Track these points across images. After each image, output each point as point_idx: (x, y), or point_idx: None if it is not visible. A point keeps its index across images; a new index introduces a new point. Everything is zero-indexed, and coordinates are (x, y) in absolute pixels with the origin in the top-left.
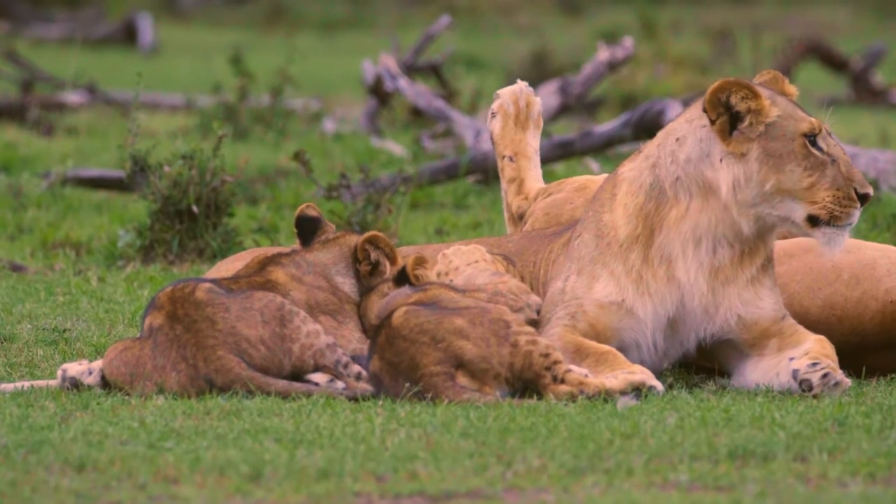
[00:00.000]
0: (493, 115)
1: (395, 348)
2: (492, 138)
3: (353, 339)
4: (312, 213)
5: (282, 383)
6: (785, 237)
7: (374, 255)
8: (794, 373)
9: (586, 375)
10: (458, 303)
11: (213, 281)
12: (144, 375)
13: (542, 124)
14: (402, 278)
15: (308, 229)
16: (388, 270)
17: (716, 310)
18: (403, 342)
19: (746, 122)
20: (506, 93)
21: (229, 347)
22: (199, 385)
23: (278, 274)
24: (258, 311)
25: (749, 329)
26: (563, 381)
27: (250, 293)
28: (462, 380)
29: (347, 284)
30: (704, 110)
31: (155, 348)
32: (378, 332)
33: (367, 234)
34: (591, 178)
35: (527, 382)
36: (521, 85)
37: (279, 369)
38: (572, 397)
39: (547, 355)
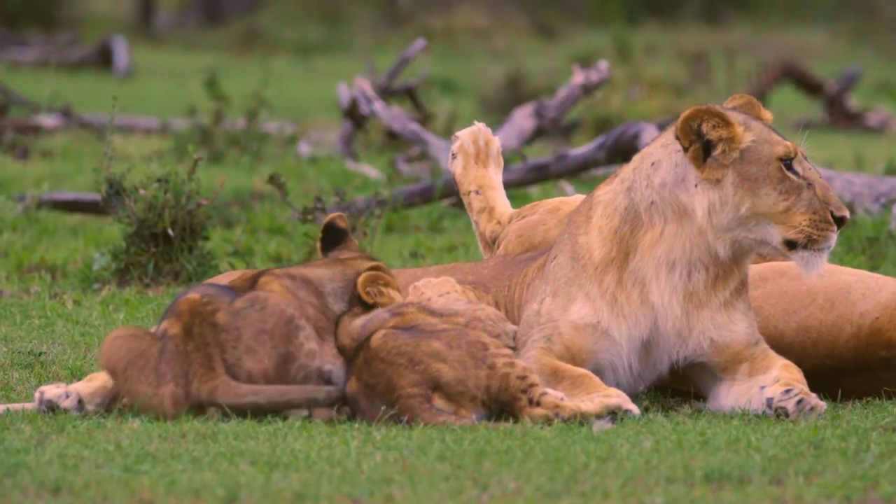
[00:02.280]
0: (454, 155)
1: (372, 370)
2: (454, 179)
3: (335, 359)
4: (342, 224)
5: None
6: (757, 261)
7: (370, 289)
8: (769, 401)
9: (562, 399)
10: (435, 327)
11: (231, 292)
12: (141, 370)
13: (502, 163)
14: (359, 300)
15: (332, 239)
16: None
17: (689, 333)
18: (381, 364)
19: (719, 150)
20: (465, 134)
21: (230, 377)
22: (189, 404)
23: (274, 285)
24: (269, 333)
25: (721, 352)
26: (538, 404)
27: (265, 302)
28: (438, 402)
29: (339, 306)
30: (677, 137)
31: (162, 353)
32: (356, 354)
33: (367, 275)
34: (564, 199)
35: (503, 405)
36: (480, 125)
37: None
38: (548, 420)
39: (524, 378)
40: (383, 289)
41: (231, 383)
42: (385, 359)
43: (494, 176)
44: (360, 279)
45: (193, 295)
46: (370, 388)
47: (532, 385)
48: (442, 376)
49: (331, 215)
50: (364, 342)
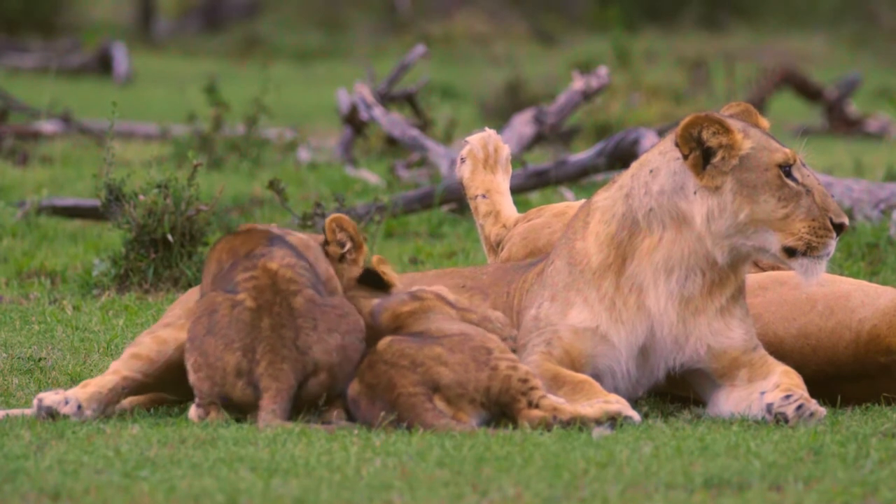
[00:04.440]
0: (463, 160)
1: (374, 371)
2: (462, 183)
3: None
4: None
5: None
6: (763, 269)
7: (340, 236)
8: (769, 406)
9: (562, 403)
10: (443, 331)
11: (311, 270)
12: (215, 334)
13: (510, 170)
14: (367, 278)
15: None
16: (355, 256)
17: (686, 339)
18: (384, 366)
19: (719, 157)
20: (475, 139)
21: (293, 365)
22: (245, 380)
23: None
24: (341, 334)
25: (719, 359)
26: (537, 406)
27: (342, 305)
28: (439, 404)
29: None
30: (677, 145)
31: (233, 322)
32: (361, 357)
33: (332, 216)
34: (570, 204)
35: (503, 407)
36: (490, 132)
37: (332, 394)
38: (546, 423)
39: (525, 381)
40: (389, 270)
41: (279, 408)
42: (388, 360)
43: (502, 182)
44: (374, 261)
45: (272, 264)
46: (371, 389)
47: (533, 388)
48: (442, 379)
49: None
50: (371, 346)
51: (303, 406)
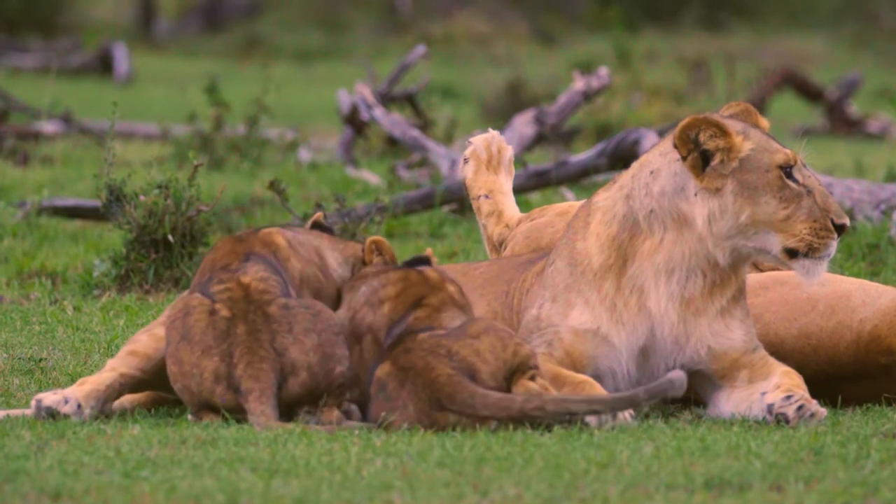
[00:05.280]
0: (466, 160)
1: (411, 356)
2: (465, 183)
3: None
4: (326, 222)
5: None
6: (763, 271)
7: (376, 260)
8: (769, 407)
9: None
10: (468, 325)
11: (282, 280)
12: (189, 340)
13: (513, 172)
14: (415, 263)
15: None
16: None
17: (686, 340)
18: (421, 352)
19: (717, 160)
20: (478, 140)
21: (272, 365)
22: (229, 385)
23: (278, 238)
24: (317, 333)
25: (719, 360)
26: (531, 379)
27: (317, 309)
28: None
29: (337, 272)
30: (675, 146)
31: (209, 328)
32: (396, 344)
33: (372, 238)
34: (573, 203)
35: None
36: (494, 133)
37: (313, 394)
38: (530, 398)
39: (536, 367)
40: (383, 258)
41: (268, 408)
42: (427, 349)
43: (505, 182)
44: (367, 241)
45: (247, 277)
46: (404, 371)
47: (538, 370)
48: (477, 372)
49: (315, 215)
50: (407, 336)
51: (285, 408)
